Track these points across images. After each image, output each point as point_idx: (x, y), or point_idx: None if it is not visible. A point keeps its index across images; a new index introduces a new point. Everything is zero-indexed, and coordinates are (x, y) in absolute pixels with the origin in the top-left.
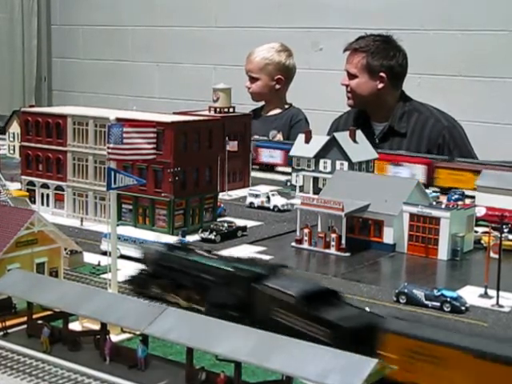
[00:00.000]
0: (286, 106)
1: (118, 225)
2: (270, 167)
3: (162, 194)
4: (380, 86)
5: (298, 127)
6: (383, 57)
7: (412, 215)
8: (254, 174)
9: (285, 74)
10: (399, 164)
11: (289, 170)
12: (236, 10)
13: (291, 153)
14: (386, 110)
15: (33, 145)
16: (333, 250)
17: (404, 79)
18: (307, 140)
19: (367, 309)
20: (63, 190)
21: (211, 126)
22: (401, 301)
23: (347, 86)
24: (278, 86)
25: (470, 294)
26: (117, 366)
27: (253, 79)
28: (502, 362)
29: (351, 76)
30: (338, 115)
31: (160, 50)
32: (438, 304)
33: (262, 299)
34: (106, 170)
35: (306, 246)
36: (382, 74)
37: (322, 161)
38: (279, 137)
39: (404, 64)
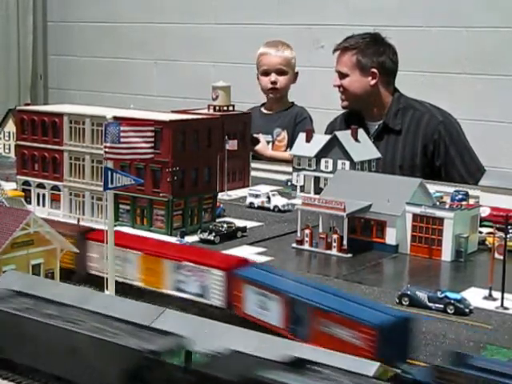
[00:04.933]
0: (289, 105)
1: (115, 225)
2: None
3: (161, 194)
4: (372, 82)
5: (302, 125)
6: (373, 53)
7: (415, 216)
8: (253, 173)
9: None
10: None
11: (289, 169)
12: (235, 6)
13: (292, 152)
14: (380, 109)
15: (28, 144)
16: (334, 251)
17: (396, 75)
18: (308, 139)
19: None
20: (59, 190)
21: (210, 125)
22: (403, 303)
23: (339, 86)
24: (295, 81)
25: (475, 296)
26: None
27: (282, 73)
28: None
29: (342, 75)
30: (334, 117)
31: (158, 47)
32: (442, 306)
33: None
34: (103, 169)
35: (306, 246)
36: (373, 70)
37: (323, 160)
38: (284, 135)
39: (395, 59)
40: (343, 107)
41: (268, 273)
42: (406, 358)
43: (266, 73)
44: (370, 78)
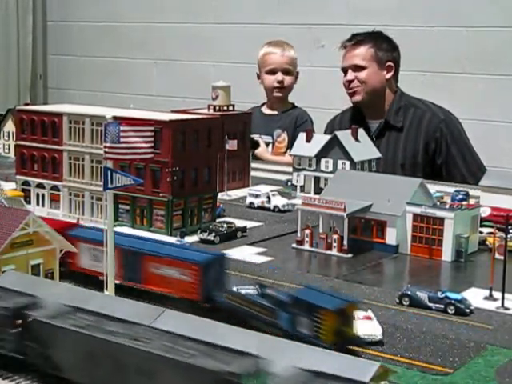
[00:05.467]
0: (290, 106)
1: (114, 225)
2: None
3: (160, 194)
4: (388, 76)
5: (303, 129)
6: (387, 47)
7: (415, 216)
8: (253, 173)
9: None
10: None
11: (290, 169)
12: (235, 6)
13: (292, 152)
14: (382, 107)
15: (28, 144)
16: (334, 251)
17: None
18: (308, 139)
19: None
20: (59, 190)
21: (210, 125)
22: (404, 303)
23: (352, 81)
24: (296, 81)
25: (475, 296)
26: None
27: (288, 73)
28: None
29: (358, 68)
30: (332, 116)
31: (158, 47)
32: (442, 306)
33: None
34: (103, 169)
35: (307, 247)
36: (389, 64)
37: (323, 160)
38: (284, 136)
39: (400, 57)
40: (355, 102)
41: (97, 231)
42: (223, 287)
43: (273, 72)
44: (385, 71)
